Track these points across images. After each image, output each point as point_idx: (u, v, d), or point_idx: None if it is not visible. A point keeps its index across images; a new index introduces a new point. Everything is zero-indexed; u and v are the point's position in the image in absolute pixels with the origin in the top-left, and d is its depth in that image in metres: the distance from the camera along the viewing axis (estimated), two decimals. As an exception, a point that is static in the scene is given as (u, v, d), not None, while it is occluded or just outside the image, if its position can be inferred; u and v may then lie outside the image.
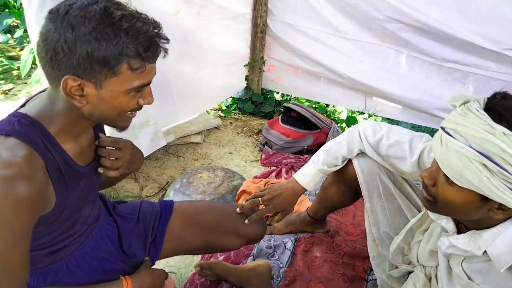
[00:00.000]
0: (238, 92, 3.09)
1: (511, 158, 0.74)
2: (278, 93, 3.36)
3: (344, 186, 1.45)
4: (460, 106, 0.84)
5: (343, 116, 3.27)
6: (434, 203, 0.91)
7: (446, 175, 0.83)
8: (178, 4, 2.18)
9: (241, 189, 1.88)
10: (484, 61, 2.48)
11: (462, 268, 0.94)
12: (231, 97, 3.11)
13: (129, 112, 0.87)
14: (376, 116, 3.08)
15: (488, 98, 0.81)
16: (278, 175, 2.24)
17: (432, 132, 3.97)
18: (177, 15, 2.21)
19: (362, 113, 3.10)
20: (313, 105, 3.32)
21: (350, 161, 1.35)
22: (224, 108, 3.06)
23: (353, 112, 3.24)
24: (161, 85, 2.23)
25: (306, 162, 2.33)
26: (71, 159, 0.86)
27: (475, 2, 2.34)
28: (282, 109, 2.75)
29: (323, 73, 2.94)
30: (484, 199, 0.80)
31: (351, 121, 3.08)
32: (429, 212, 1.04)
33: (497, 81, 2.52)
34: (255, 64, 3.02)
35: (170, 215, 1.19)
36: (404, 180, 1.36)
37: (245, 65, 3.02)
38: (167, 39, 0.82)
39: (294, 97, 3.36)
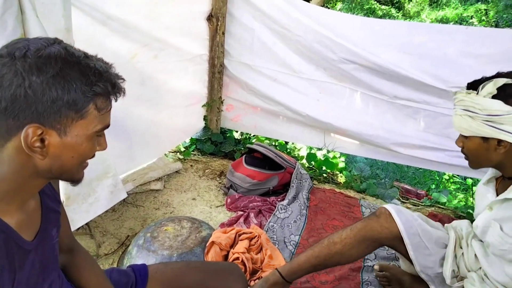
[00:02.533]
0: (197, 133, 3.01)
1: (476, 104, 1.18)
2: (237, 132, 3.32)
3: (372, 241, 1.40)
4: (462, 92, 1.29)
5: (303, 153, 3.29)
6: (468, 159, 1.31)
7: (463, 136, 1.28)
8: (135, 47, 2.11)
9: (210, 240, 1.77)
10: (433, 98, 2.63)
11: (504, 233, 1.18)
12: (190, 138, 3.02)
13: (85, 162, 0.80)
14: (335, 152, 3.13)
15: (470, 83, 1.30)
16: (246, 220, 2.16)
17: (388, 164, 4.13)
18: (133, 58, 2.13)
19: (321, 149, 3.14)
20: (273, 143, 3.31)
21: (383, 214, 1.39)
22: (183, 149, 2.96)
23: (312, 149, 3.28)
24: (118, 131, 2.12)
25: (272, 205, 2.31)
26: (17, 235, 0.73)
27: (422, 45, 2.51)
28: (246, 150, 2.70)
29: (282, 111, 2.97)
30: (484, 139, 1.21)
31: (311, 157, 3.10)
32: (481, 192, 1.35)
33: (446, 116, 2.68)
34: (214, 104, 2.97)
35: (146, 283, 1.07)
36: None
37: (204, 106, 2.97)
38: (123, 79, 0.79)
39: (253, 136, 3.34)
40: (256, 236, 1.92)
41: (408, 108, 2.75)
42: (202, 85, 2.92)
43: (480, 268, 1.34)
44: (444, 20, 11.32)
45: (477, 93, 1.19)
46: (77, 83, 0.68)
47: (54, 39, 0.71)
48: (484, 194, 1.33)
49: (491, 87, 1.17)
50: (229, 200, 2.31)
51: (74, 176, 0.79)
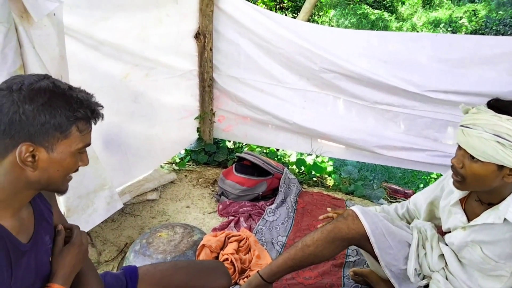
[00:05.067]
0: (191, 144, 3.17)
1: (508, 135, 1.09)
2: (230, 141, 3.48)
3: (341, 241, 1.49)
4: (472, 108, 1.22)
5: (293, 158, 3.44)
6: (463, 181, 1.24)
7: (470, 156, 1.18)
8: (126, 68, 2.28)
9: (201, 243, 1.92)
10: (410, 102, 2.78)
11: (485, 255, 1.25)
12: (184, 149, 3.18)
13: (69, 176, 0.94)
14: (323, 156, 3.28)
15: (487, 103, 1.21)
16: (236, 224, 2.30)
17: (376, 166, 4.27)
18: (126, 78, 2.30)
19: (310, 154, 3.29)
20: (264, 150, 3.47)
21: (350, 216, 1.48)
22: (178, 161, 3.12)
23: (301, 155, 3.43)
24: (114, 146, 2.28)
25: (262, 209, 2.45)
26: (13, 237, 0.87)
27: (396, 53, 2.67)
28: (235, 159, 2.85)
29: (270, 120, 3.13)
30: (500, 167, 1.14)
31: (300, 163, 3.25)
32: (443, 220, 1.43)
33: (423, 118, 2.83)
34: (206, 116, 3.14)
35: (136, 284, 1.20)
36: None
37: (196, 118, 3.13)
38: (102, 106, 0.94)
39: (245, 144, 3.50)
40: (244, 238, 2.07)
41: (388, 112, 2.90)
42: (194, 98, 3.08)
43: (443, 268, 1.45)
44: (436, 22, 11.50)
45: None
46: (62, 109, 0.83)
47: (44, 75, 0.88)
48: (451, 213, 1.38)
49: None
50: (220, 206, 2.46)
51: (60, 187, 0.94)
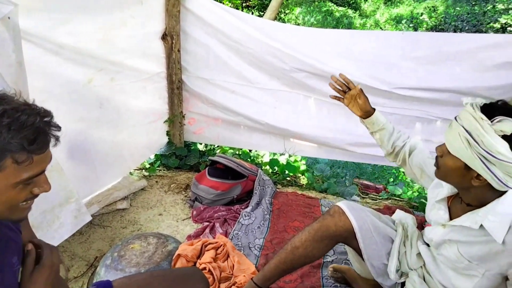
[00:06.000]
0: (161, 148, 3.08)
1: (482, 136, 1.07)
2: (201, 144, 3.41)
3: (329, 239, 1.48)
4: (467, 103, 1.18)
5: (267, 159, 3.42)
6: (437, 170, 1.26)
7: (447, 149, 1.18)
8: (90, 72, 2.17)
9: (176, 253, 1.86)
10: (379, 99, 2.82)
11: (460, 254, 1.25)
12: (154, 154, 3.09)
13: (23, 203, 0.84)
14: (296, 156, 3.28)
15: (495, 102, 1.15)
16: (212, 230, 2.25)
17: (348, 163, 4.34)
18: (90, 83, 2.19)
19: (283, 154, 3.28)
20: (237, 152, 3.42)
21: (337, 213, 1.48)
22: (148, 166, 3.02)
23: (274, 155, 3.41)
24: (80, 155, 2.17)
25: (237, 213, 2.41)
26: None
27: (365, 51, 2.69)
28: (208, 162, 2.79)
29: (242, 121, 3.09)
30: (467, 168, 1.14)
31: (274, 163, 3.23)
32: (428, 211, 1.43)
33: (392, 115, 2.87)
34: (175, 119, 3.06)
35: (111, 298, 1.14)
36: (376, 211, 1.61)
37: (165, 121, 3.04)
38: (58, 127, 0.83)
39: (217, 146, 3.44)
40: (221, 245, 2.02)
41: (358, 110, 2.93)
42: (162, 101, 2.99)
43: (421, 266, 1.47)
44: (398, 18, 11.83)
45: (491, 124, 1.06)
46: None
47: None
48: (435, 208, 1.39)
49: (509, 127, 1.04)
50: (194, 212, 2.40)
51: (11, 217, 0.85)
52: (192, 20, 2.83)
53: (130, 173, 2.82)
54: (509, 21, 8.84)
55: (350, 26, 11.56)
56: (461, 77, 2.58)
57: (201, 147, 3.40)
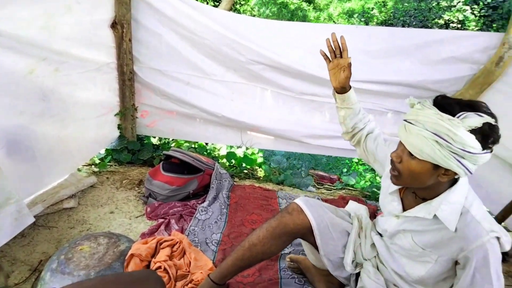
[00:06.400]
0: (112, 143, 2.93)
1: (453, 135, 1.06)
2: (155, 137, 3.30)
3: (287, 236, 1.48)
4: (418, 104, 1.17)
5: (224, 152, 3.37)
6: (399, 176, 1.23)
7: (409, 153, 1.16)
8: (31, 62, 1.99)
9: (129, 253, 1.77)
10: (334, 92, 2.86)
11: (414, 242, 1.30)
12: (104, 149, 2.94)
13: None
14: (253, 148, 3.26)
15: (434, 98, 1.15)
16: (167, 227, 2.18)
17: (303, 154, 4.40)
18: (31, 74, 2.01)
19: (240, 147, 3.25)
20: (193, 145, 3.35)
21: (295, 211, 1.47)
22: (98, 162, 2.87)
23: (231, 147, 3.38)
24: (21, 152, 2.01)
25: (193, 208, 2.36)
26: None
27: (321, 44, 2.69)
28: (162, 157, 2.70)
29: (198, 114, 3.02)
30: (435, 167, 1.13)
31: (231, 156, 3.19)
32: (382, 204, 1.44)
33: (347, 107, 2.93)
34: (127, 112, 2.92)
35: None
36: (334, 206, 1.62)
37: (116, 114, 2.90)
38: None
39: (172, 140, 3.35)
40: (177, 242, 1.96)
41: (314, 102, 2.97)
42: (113, 93, 2.84)
43: (375, 256, 1.52)
44: (350, 12, 12.14)
45: (460, 121, 1.06)
46: None
47: None
48: (389, 201, 1.42)
49: (477, 122, 1.05)
50: (148, 209, 2.32)
51: None
52: (144, 8, 2.70)
53: (78, 170, 2.66)
54: (451, 18, 9.36)
55: (304, 19, 11.71)
56: (411, 71, 2.68)
57: (155, 141, 3.29)
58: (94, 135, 2.67)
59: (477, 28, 9.05)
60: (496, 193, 2.44)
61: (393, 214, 1.39)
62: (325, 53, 1.62)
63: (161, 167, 2.46)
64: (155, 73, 2.89)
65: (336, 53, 1.59)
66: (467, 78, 2.62)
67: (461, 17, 9.28)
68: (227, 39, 2.70)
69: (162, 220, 2.23)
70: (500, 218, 2.19)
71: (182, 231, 2.16)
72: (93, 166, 2.81)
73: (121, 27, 2.65)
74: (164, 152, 2.61)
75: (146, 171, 2.69)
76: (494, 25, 9.01)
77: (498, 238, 1.16)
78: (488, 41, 2.49)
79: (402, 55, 2.65)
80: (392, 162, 1.24)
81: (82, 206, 2.30)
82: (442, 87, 2.69)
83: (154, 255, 1.85)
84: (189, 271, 1.84)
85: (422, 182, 1.20)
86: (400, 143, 1.22)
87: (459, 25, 9.26)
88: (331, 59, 1.61)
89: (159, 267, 1.76)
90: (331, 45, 1.59)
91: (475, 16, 9.26)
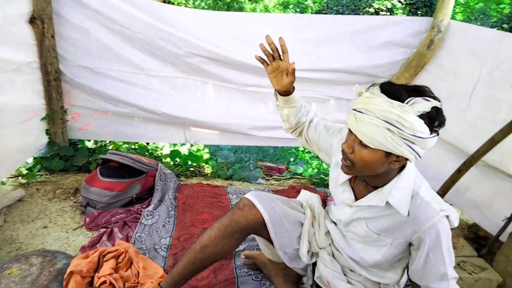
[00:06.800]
0: (41, 150, 2.66)
1: (404, 121, 1.04)
2: (90, 141, 3.06)
3: (240, 233, 1.42)
4: (366, 92, 1.13)
5: (166, 151, 3.22)
6: (352, 167, 1.19)
7: (360, 142, 1.13)
8: None
9: (68, 270, 1.60)
10: (276, 82, 2.83)
11: (369, 229, 1.31)
12: (32, 157, 2.66)
13: None
14: (198, 145, 3.15)
15: (381, 85, 1.11)
16: (110, 236, 2.02)
17: (250, 147, 4.36)
18: None
19: (184, 144, 3.12)
20: (133, 146, 3.16)
21: (246, 206, 1.42)
22: (25, 172, 2.59)
23: (175, 146, 3.24)
24: None
25: (138, 213, 2.21)
26: None
27: (259, 34, 2.63)
28: (99, 161, 2.50)
29: (136, 112, 2.84)
30: (387, 154, 1.12)
31: (175, 154, 3.06)
32: (337, 192, 1.40)
33: (290, 97, 2.92)
34: (55, 115, 2.66)
35: None
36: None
37: (43, 119, 2.63)
38: None
39: (109, 142, 3.13)
40: (123, 252, 1.81)
41: (257, 93, 2.92)
42: (37, 96, 2.57)
43: (330, 244, 1.51)
44: (285, 3, 12.29)
45: (409, 108, 1.04)
46: None
47: None
48: (341, 191, 1.39)
49: (425, 107, 1.04)
50: (87, 219, 2.13)
51: None
52: (67, 1, 2.47)
53: (2, 183, 2.38)
54: (381, 6, 9.84)
55: (241, 11, 11.66)
56: (349, 57, 2.72)
57: (90, 145, 3.05)
58: (19, 143, 2.40)
59: (404, 15, 9.61)
60: (434, 170, 2.57)
61: (346, 203, 1.38)
62: (260, 57, 1.44)
63: (99, 173, 2.27)
64: (85, 71, 2.67)
65: (275, 56, 1.41)
66: (402, 62, 2.72)
67: (389, 5, 9.78)
68: (162, 32, 2.56)
69: (104, 229, 2.06)
70: (440, 194, 2.30)
71: (127, 239, 2.02)
72: (19, 177, 2.53)
73: (41, 22, 2.40)
74: (101, 156, 2.41)
75: (82, 178, 2.47)
76: (419, 12, 9.63)
77: (447, 217, 1.19)
78: (419, 25, 2.59)
79: (340, 42, 2.69)
80: (343, 153, 1.21)
81: (9, 223, 2.05)
82: (379, 72, 2.77)
83: (97, 269, 1.69)
84: (138, 282, 1.71)
85: (374, 170, 1.18)
86: (350, 133, 1.18)
87: (388, 13, 9.76)
88: (269, 62, 1.43)
89: (104, 282, 1.61)
90: (267, 49, 1.41)
91: (402, 4, 9.82)
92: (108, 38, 2.60)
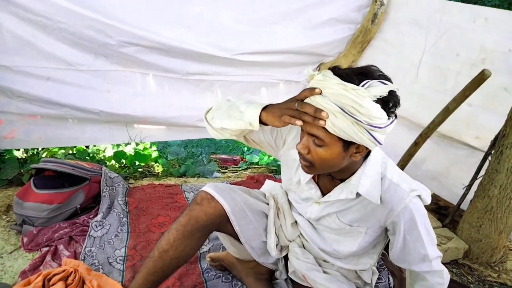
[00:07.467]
0: (-42, 167, 2.29)
1: (359, 106, 0.93)
2: (18, 150, 2.70)
3: (202, 231, 1.27)
4: (318, 74, 1.01)
5: (109, 153, 2.95)
6: (312, 166, 1.10)
7: (314, 141, 1.04)
8: None
9: (6, 304, 1.36)
10: (222, 68, 2.69)
11: (341, 221, 1.24)
12: None
13: None
14: (144, 143, 2.92)
15: (331, 69, 1.00)
16: (55, 255, 1.76)
17: (201, 140, 4.16)
18: None
19: (129, 144, 2.87)
20: (70, 151, 2.84)
21: (205, 200, 1.28)
22: None
23: (118, 146, 2.97)
24: None
25: (85, 225, 1.97)
26: None
27: (198, 17, 2.48)
28: (33, 172, 2.19)
29: (69, 113, 2.54)
30: (345, 148, 1.03)
31: (120, 156, 2.80)
32: (304, 190, 1.28)
33: (238, 83, 2.81)
34: (-29, 125, 2.29)
35: None
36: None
37: (-44, 130, 2.25)
38: None
39: (42, 149, 2.79)
40: (72, 271, 1.59)
41: (203, 82, 2.76)
42: None
43: (299, 236, 1.43)
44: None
45: (365, 92, 0.93)
46: None
47: None
48: (307, 190, 1.28)
49: (382, 91, 0.95)
50: (25, 239, 1.85)
51: None
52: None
53: None
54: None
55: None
56: (295, 37, 2.65)
57: (19, 154, 2.69)
58: None
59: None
60: (390, 145, 2.58)
61: (314, 200, 1.29)
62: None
63: (33, 185, 1.98)
64: (2, 71, 2.31)
65: None
66: (347, 39, 2.69)
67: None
68: (88, 20, 2.28)
69: (46, 248, 1.80)
70: (400, 168, 2.33)
71: (75, 256, 1.78)
72: None
73: None
74: (33, 165, 2.11)
75: (14, 192, 2.15)
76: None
77: (419, 196, 1.15)
78: (361, -1, 2.57)
79: (285, 21, 2.60)
80: (300, 154, 1.11)
81: None
82: (326, 50, 2.72)
83: (43, 296, 1.46)
84: (93, 302, 1.51)
85: (336, 166, 1.10)
86: (302, 132, 1.07)
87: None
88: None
89: (53, 310, 1.40)
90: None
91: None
92: (24, 30, 2.26)
